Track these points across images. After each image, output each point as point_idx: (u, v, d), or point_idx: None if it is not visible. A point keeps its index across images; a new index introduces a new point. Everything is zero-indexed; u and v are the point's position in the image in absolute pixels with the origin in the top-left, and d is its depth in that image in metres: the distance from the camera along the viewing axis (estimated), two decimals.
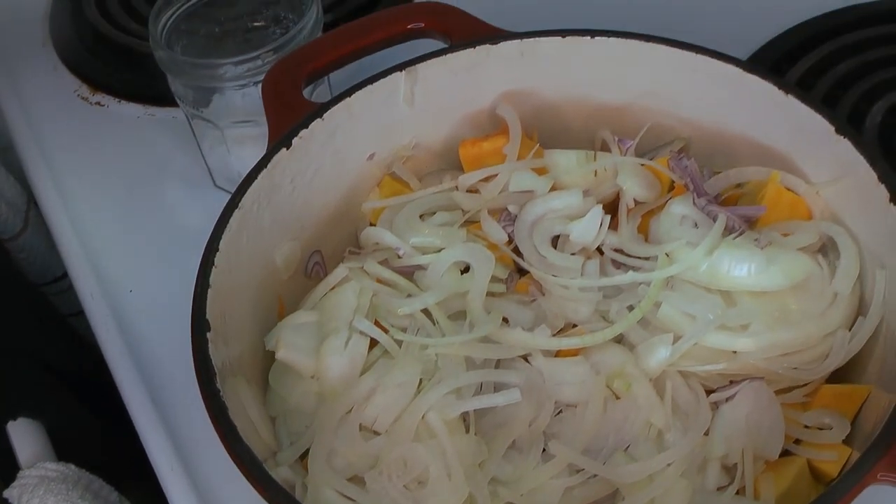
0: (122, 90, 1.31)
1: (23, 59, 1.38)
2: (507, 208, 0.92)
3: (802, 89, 1.13)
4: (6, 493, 0.98)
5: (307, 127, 0.90)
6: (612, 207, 0.93)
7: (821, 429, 0.81)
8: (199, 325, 0.78)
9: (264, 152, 0.89)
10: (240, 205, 0.85)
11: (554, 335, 0.84)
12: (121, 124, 1.28)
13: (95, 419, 1.25)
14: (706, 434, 0.79)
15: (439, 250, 0.90)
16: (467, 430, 0.80)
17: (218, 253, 0.82)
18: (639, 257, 0.88)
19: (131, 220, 1.16)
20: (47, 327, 1.33)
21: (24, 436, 1.08)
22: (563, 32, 0.95)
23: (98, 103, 1.30)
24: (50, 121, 1.29)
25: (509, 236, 0.91)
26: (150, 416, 0.98)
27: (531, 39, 0.95)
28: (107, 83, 1.32)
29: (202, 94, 1.08)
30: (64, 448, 1.08)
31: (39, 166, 1.23)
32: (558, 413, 0.81)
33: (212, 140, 1.13)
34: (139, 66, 1.31)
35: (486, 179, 0.95)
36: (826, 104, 1.12)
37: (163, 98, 1.25)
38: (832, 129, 0.85)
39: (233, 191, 0.85)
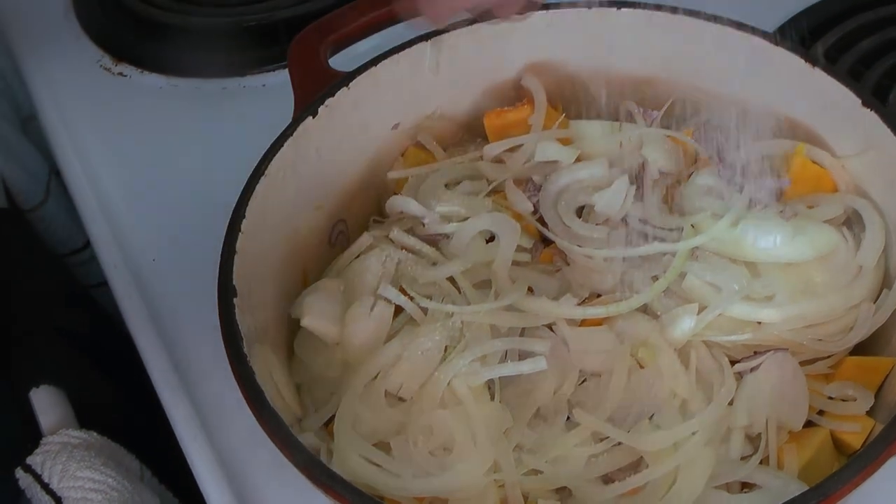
0: (144, 60, 1.30)
1: (45, 30, 1.37)
2: (532, 178, 0.92)
3: None
4: (29, 460, 0.98)
5: (333, 95, 0.90)
6: (637, 179, 0.92)
7: (844, 400, 0.81)
8: (226, 291, 0.78)
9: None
10: (266, 172, 0.85)
11: (579, 304, 0.84)
12: (143, 95, 1.28)
13: (118, 389, 1.26)
14: (730, 404, 0.79)
15: (464, 219, 0.90)
16: (492, 398, 0.80)
17: (244, 220, 0.82)
18: (664, 228, 0.88)
19: (153, 190, 1.16)
20: (69, 297, 1.34)
21: (47, 403, 1.08)
22: (590, 3, 0.95)
23: (121, 73, 1.30)
24: (72, 91, 1.29)
25: (534, 206, 0.91)
26: (173, 386, 0.98)
27: (558, 10, 0.95)
28: (129, 53, 1.32)
29: None
30: (86, 417, 1.08)
31: (62, 136, 1.23)
32: (583, 382, 0.82)
33: None
34: (162, 36, 1.31)
35: (512, 150, 0.95)
36: None
37: (185, 69, 1.26)
38: (859, 102, 0.85)
39: None
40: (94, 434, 1.03)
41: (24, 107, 1.41)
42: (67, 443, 1.00)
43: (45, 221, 1.37)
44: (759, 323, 0.82)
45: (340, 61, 0.96)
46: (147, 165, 1.19)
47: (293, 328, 0.88)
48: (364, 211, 0.97)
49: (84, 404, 1.11)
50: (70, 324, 1.28)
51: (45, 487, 0.96)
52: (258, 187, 0.84)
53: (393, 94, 0.95)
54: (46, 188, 1.37)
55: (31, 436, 1.04)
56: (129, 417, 1.24)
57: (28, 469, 0.98)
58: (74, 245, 1.42)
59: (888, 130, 0.83)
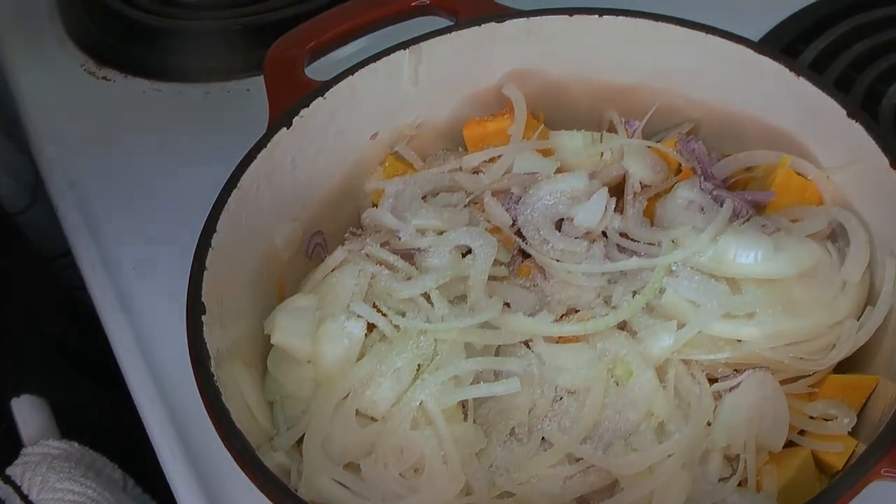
0: (128, 64, 1.29)
1: (29, 33, 1.37)
2: (511, 190, 0.91)
3: (817, 70, 1.11)
4: (9, 471, 0.98)
5: (308, 106, 0.89)
6: (617, 190, 0.91)
7: (827, 420, 0.80)
8: (194, 308, 0.77)
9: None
10: (238, 185, 0.84)
11: (556, 320, 0.82)
12: (127, 99, 1.27)
13: (102, 397, 1.25)
14: (709, 424, 0.78)
15: (441, 232, 0.89)
16: (465, 418, 0.79)
17: (215, 234, 0.81)
18: (644, 242, 0.86)
19: (135, 196, 1.15)
20: (56, 304, 1.33)
21: (28, 413, 1.07)
22: (571, 11, 0.93)
23: (104, 78, 1.29)
24: (56, 95, 1.28)
25: (513, 219, 0.89)
26: (152, 397, 0.97)
27: (538, 18, 0.94)
28: (113, 57, 1.31)
29: None
30: (70, 425, 1.08)
31: (44, 140, 1.22)
32: (559, 400, 0.80)
33: None
34: (146, 40, 1.30)
35: (491, 160, 0.93)
36: (841, 86, 1.11)
37: (169, 73, 1.25)
38: (844, 112, 0.84)
39: None
40: (75, 444, 1.02)
41: (9, 110, 1.40)
42: (48, 453, 1.00)
43: (31, 225, 1.37)
44: (740, 341, 0.80)
45: (317, 70, 0.95)
46: (129, 171, 1.18)
47: (268, 343, 0.86)
48: (342, 222, 0.96)
49: (69, 413, 1.10)
50: (57, 331, 1.27)
51: (25, 499, 0.96)
52: (230, 200, 0.83)
53: (371, 103, 0.93)
54: (33, 192, 1.37)
55: (12, 446, 1.03)
56: (116, 426, 1.23)
57: (7, 480, 0.98)
58: (62, 248, 1.41)
59: (873, 142, 0.82)
